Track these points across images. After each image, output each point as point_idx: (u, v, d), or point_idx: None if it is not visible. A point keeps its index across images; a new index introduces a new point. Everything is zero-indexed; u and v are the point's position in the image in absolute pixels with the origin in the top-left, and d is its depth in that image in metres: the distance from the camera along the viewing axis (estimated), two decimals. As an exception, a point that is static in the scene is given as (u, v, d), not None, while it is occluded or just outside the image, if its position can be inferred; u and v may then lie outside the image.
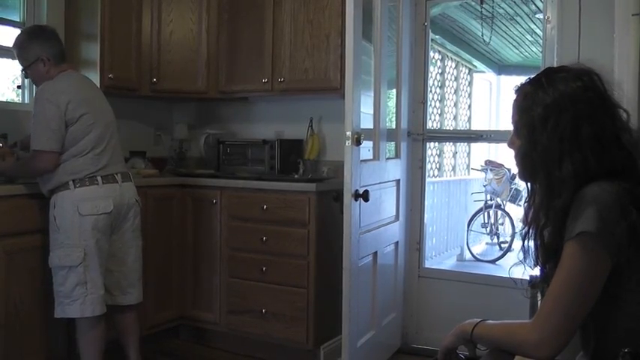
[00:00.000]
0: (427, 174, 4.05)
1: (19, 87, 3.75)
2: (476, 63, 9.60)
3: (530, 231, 1.55)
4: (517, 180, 7.40)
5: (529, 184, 1.60)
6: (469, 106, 9.63)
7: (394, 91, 3.68)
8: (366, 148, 3.13)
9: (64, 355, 3.13)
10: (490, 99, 10.67)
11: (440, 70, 8.36)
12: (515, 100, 1.57)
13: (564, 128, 1.45)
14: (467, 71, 9.59)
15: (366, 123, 3.14)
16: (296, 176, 3.78)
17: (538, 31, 7.50)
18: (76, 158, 2.87)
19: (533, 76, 1.57)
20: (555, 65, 1.63)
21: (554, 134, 1.45)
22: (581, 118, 1.44)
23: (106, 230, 2.92)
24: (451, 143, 8.52)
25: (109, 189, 2.92)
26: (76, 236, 2.83)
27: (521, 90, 1.56)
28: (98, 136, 2.93)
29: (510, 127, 1.61)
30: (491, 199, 7.82)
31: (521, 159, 1.55)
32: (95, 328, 2.91)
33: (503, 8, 7.17)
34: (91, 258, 2.85)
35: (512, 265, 1.74)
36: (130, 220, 3.04)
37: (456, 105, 9.10)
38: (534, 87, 1.52)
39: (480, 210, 7.85)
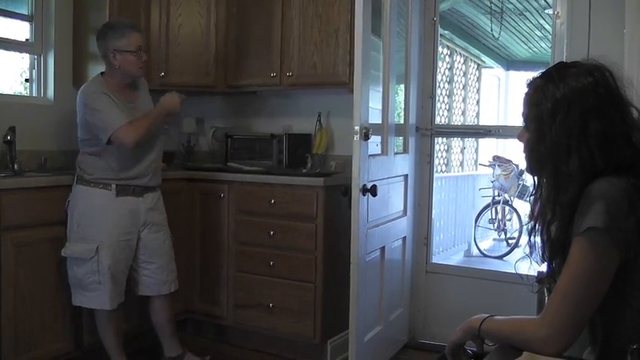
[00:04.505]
0: (435, 169, 4.04)
1: (27, 80, 3.76)
2: (484, 58, 9.57)
3: (537, 226, 1.55)
4: (525, 176, 7.40)
5: (536, 177, 1.59)
6: (477, 102, 9.59)
7: (403, 86, 3.68)
8: (375, 142, 3.12)
9: (73, 347, 3.16)
10: (498, 94, 10.62)
11: (448, 66, 8.33)
12: (527, 94, 1.56)
13: (572, 123, 1.44)
14: (475, 66, 9.56)
15: (375, 118, 3.14)
16: (304, 171, 3.78)
17: (547, 26, 7.46)
18: None
19: (545, 69, 1.57)
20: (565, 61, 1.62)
21: (562, 129, 1.45)
22: (589, 114, 1.43)
23: None
24: (459, 139, 8.50)
25: None
26: None
27: (532, 83, 1.56)
28: None
29: (519, 123, 1.61)
30: (498, 195, 7.81)
31: (529, 152, 1.56)
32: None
33: (512, 3, 7.15)
34: None
35: (518, 260, 1.74)
36: None
37: (464, 100, 9.07)
38: (545, 81, 1.51)
39: (488, 206, 7.84)
